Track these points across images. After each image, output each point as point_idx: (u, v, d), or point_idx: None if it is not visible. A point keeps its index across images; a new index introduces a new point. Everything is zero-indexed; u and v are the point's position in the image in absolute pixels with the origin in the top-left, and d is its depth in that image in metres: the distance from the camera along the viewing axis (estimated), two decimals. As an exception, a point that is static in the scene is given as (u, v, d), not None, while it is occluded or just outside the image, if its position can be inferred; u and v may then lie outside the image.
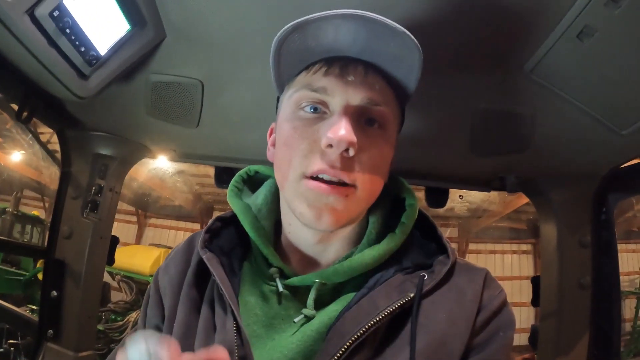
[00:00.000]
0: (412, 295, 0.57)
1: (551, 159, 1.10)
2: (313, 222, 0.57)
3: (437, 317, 0.57)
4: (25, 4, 0.64)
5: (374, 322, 0.54)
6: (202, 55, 0.95)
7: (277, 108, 0.68)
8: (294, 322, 0.59)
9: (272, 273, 0.63)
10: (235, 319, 0.57)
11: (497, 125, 1.02)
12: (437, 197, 1.37)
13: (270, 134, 0.71)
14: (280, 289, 0.61)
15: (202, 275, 0.66)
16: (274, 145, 0.68)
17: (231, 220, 0.72)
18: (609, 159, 1.08)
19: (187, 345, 0.59)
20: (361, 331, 0.54)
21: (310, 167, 0.56)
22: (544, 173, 1.18)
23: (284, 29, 0.57)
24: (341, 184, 0.56)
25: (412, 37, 0.55)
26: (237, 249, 0.68)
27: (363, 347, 0.54)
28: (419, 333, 0.55)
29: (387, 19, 0.54)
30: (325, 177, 0.56)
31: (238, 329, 0.57)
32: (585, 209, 1.17)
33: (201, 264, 0.66)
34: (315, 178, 0.56)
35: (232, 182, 0.74)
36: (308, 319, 0.59)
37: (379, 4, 0.73)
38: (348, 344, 0.53)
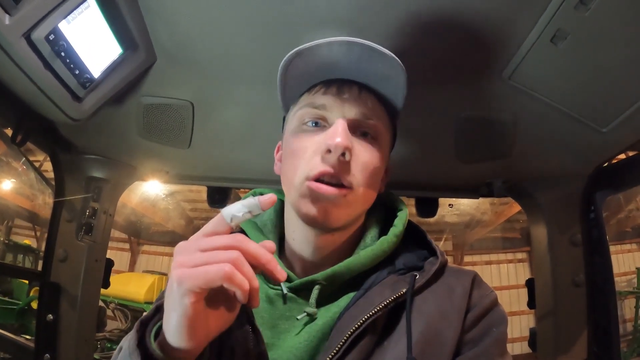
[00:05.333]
0: (404, 290, 0.62)
1: (536, 161, 1.13)
2: (317, 219, 0.63)
3: (429, 311, 0.62)
4: (22, 27, 0.66)
5: (368, 315, 0.59)
6: (191, 78, 0.98)
7: (283, 127, 0.75)
8: (297, 319, 0.63)
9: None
10: (250, 321, 0.62)
11: (481, 132, 1.05)
12: (427, 207, 1.40)
13: (277, 151, 0.78)
14: (285, 291, 0.66)
15: None
16: (280, 160, 0.75)
17: None
18: (593, 158, 1.10)
19: None
20: (357, 324, 0.59)
21: (313, 170, 0.63)
22: (531, 176, 1.21)
23: (286, 56, 0.65)
24: (340, 185, 0.63)
25: (398, 59, 0.63)
26: None
27: (362, 339, 0.59)
28: (414, 325, 0.60)
29: (374, 44, 0.62)
30: (326, 179, 0.62)
31: (254, 330, 0.62)
32: (574, 208, 1.19)
33: None
34: (317, 181, 0.63)
35: None
36: (311, 318, 0.63)
37: (360, 24, 0.77)
38: (346, 337, 0.58)
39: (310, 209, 0.63)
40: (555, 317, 1.18)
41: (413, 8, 0.74)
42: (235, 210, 0.50)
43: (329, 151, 0.61)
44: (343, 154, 0.61)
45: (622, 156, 1.12)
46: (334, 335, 0.60)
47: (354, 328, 0.58)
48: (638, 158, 1.09)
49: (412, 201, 1.41)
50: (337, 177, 0.62)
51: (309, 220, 0.64)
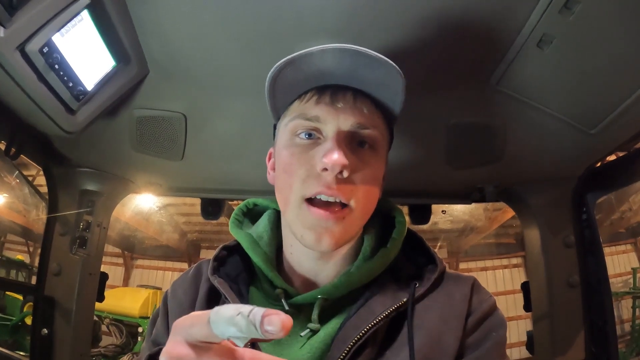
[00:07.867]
0: (405, 299, 0.62)
1: (527, 165, 1.14)
2: (314, 244, 0.61)
3: (430, 318, 0.62)
4: (17, 40, 0.66)
5: (371, 325, 0.59)
6: (184, 90, 0.99)
7: (274, 135, 0.73)
8: (301, 335, 0.62)
9: (277, 294, 0.67)
10: None
11: (471, 138, 1.06)
12: (420, 214, 1.41)
13: (269, 158, 0.76)
14: (286, 308, 0.65)
15: (213, 300, 0.70)
16: (273, 169, 0.72)
17: (235, 249, 0.76)
18: (582, 159, 1.12)
19: None
20: (360, 334, 0.58)
21: (309, 189, 0.60)
22: (522, 180, 1.22)
23: (276, 65, 0.62)
24: (338, 204, 0.60)
25: (395, 65, 0.60)
26: (243, 274, 0.72)
27: (364, 349, 0.59)
28: (415, 333, 0.60)
29: (372, 51, 0.59)
30: (323, 197, 0.60)
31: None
32: (566, 210, 1.20)
33: (211, 290, 0.70)
34: (314, 200, 0.60)
35: (233, 214, 0.79)
36: (314, 332, 0.63)
37: (350, 35, 0.78)
38: (349, 347, 0.58)
39: (307, 235, 0.61)
40: (552, 318, 1.18)
41: (401, 18, 0.75)
42: (231, 333, 0.35)
43: (325, 169, 0.58)
44: (341, 172, 0.58)
45: (613, 157, 1.13)
46: (336, 345, 0.59)
47: (356, 338, 0.58)
48: (627, 159, 1.10)
49: (405, 208, 1.41)
50: (335, 195, 0.59)
51: (305, 245, 0.63)
